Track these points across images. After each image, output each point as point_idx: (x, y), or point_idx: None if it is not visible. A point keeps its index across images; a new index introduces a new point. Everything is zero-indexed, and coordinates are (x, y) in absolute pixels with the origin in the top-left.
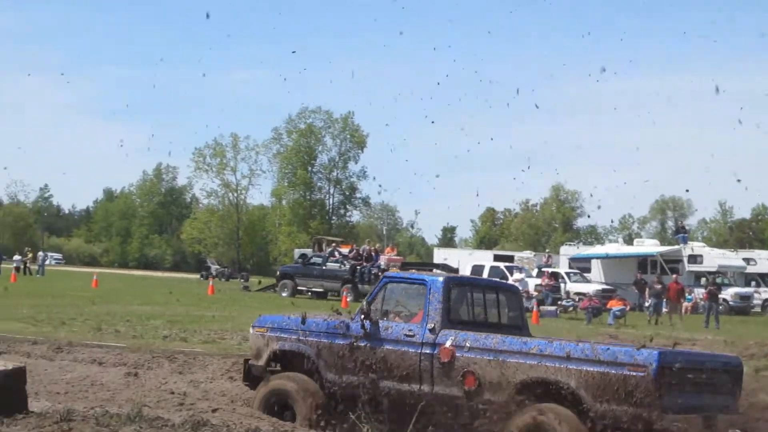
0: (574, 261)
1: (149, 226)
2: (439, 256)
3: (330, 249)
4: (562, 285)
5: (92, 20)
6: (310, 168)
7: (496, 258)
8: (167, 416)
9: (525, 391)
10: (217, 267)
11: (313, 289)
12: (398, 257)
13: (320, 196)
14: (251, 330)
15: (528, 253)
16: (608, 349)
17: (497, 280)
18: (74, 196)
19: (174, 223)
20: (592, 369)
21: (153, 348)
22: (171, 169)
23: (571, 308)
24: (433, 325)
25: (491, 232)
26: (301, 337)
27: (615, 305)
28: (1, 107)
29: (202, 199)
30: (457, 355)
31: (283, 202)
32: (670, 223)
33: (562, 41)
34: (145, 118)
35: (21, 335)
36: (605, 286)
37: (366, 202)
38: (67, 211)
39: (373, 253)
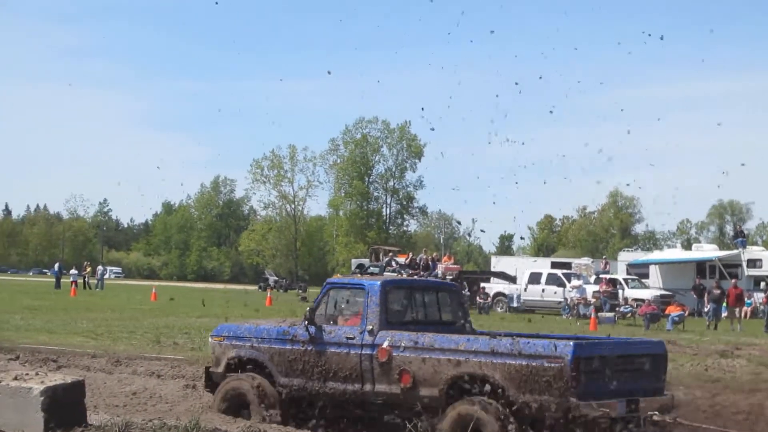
0: (632, 267)
1: (207, 239)
2: (497, 264)
3: (387, 258)
4: (620, 291)
5: (152, 35)
6: (366, 178)
7: (554, 265)
8: (225, 428)
9: (455, 386)
10: (275, 278)
11: None
12: (455, 266)
13: (377, 206)
14: (210, 339)
15: (586, 260)
16: (528, 342)
17: (437, 280)
18: (133, 210)
19: (232, 235)
20: (514, 362)
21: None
22: (229, 182)
23: (629, 314)
24: (371, 327)
25: (549, 239)
26: (254, 344)
27: (673, 311)
28: (60, 122)
29: (260, 210)
30: (394, 354)
31: (340, 212)
32: (729, 228)
33: (615, 47)
34: (202, 131)
35: (80, 349)
36: (664, 292)
37: (423, 211)
38: (126, 225)
39: (430, 262)
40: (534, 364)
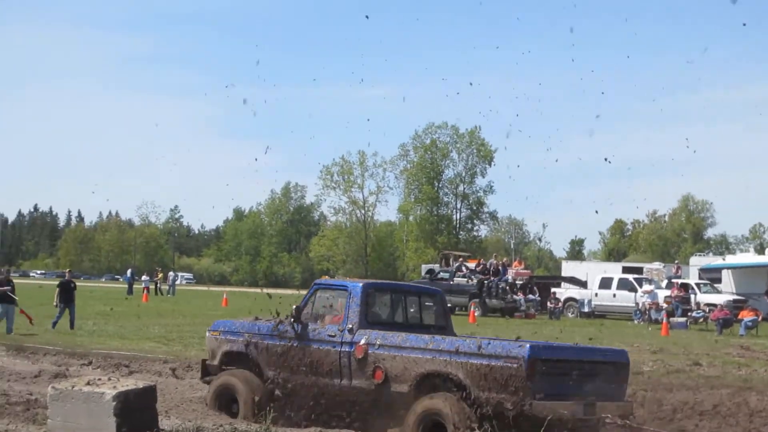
0: (704, 271)
1: (278, 245)
2: (567, 269)
3: (457, 264)
4: (692, 296)
5: (224, 42)
6: (436, 183)
7: (625, 270)
8: None
9: (424, 382)
10: None
11: None
12: (526, 271)
13: (447, 211)
14: (207, 333)
15: (657, 265)
16: (489, 343)
17: (420, 285)
18: (204, 216)
19: (302, 240)
20: (476, 361)
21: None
22: (299, 188)
23: (701, 319)
24: (351, 326)
25: (620, 243)
26: (246, 339)
27: (746, 316)
28: (131, 129)
29: (330, 216)
30: (369, 352)
31: (410, 217)
32: None
33: (686, 54)
34: (272, 137)
35: (152, 354)
36: (736, 297)
37: (493, 216)
38: (197, 231)
39: (500, 267)
40: (493, 363)
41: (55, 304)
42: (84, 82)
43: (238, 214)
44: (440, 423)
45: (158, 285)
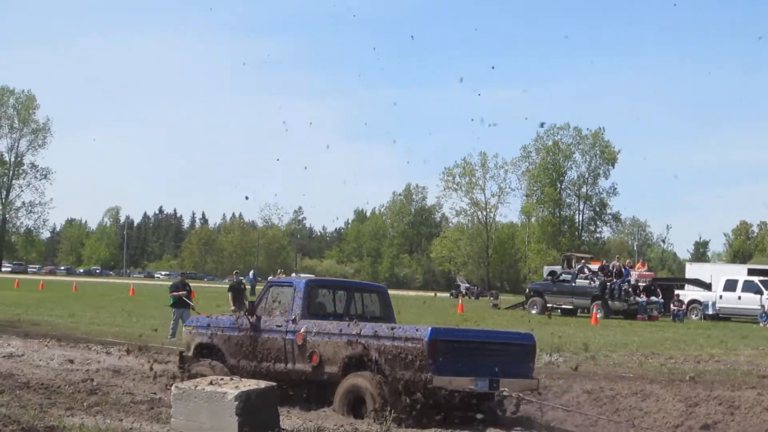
0: None
1: (399, 246)
2: (691, 271)
3: (580, 265)
4: None
5: (337, 45)
6: (558, 185)
7: (751, 272)
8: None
9: (350, 364)
10: (467, 285)
11: (563, 306)
12: (649, 273)
13: (569, 213)
14: (184, 328)
15: None
16: (400, 327)
17: (364, 282)
18: (325, 218)
19: (423, 242)
20: (388, 344)
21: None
22: (420, 189)
23: None
24: (294, 317)
25: (745, 245)
26: (213, 332)
27: None
28: (255, 132)
29: (452, 218)
30: (307, 339)
31: (533, 219)
32: None
33: None
34: (393, 139)
35: None
36: None
37: (616, 217)
38: (319, 233)
39: (623, 269)
40: (401, 345)
41: (232, 309)
42: (207, 85)
43: (360, 215)
44: (362, 398)
45: None
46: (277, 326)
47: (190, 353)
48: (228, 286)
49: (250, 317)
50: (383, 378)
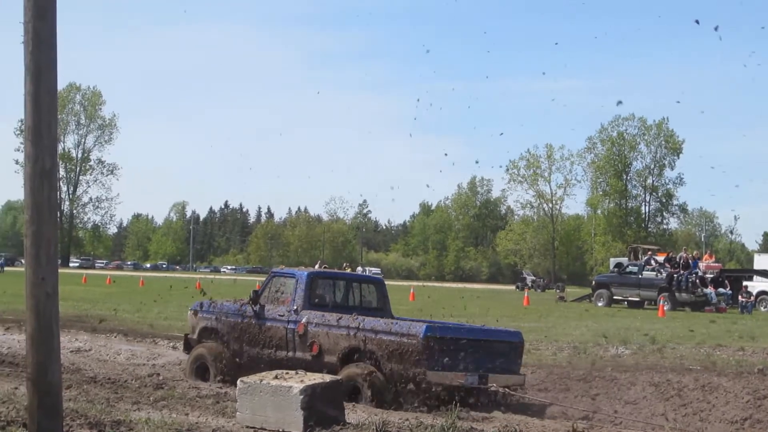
0: None
1: (465, 239)
2: (760, 261)
3: (646, 257)
4: None
5: (397, 38)
6: (624, 176)
7: None
8: (480, 427)
9: (348, 355)
10: (533, 278)
11: (630, 298)
12: (717, 264)
13: (635, 204)
14: (189, 312)
15: None
16: (397, 323)
17: (364, 274)
18: (391, 211)
19: (489, 235)
20: (386, 338)
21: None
22: (485, 182)
23: None
24: (296, 307)
25: None
26: (217, 317)
27: None
28: (317, 127)
29: (517, 210)
30: (308, 329)
31: (598, 211)
32: None
33: None
34: (458, 132)
35: None
36: None
37: (683, 208)
38: (384, 227)
39: (690, 261)
40: (398, 340)
41: None
42: (271, 79)
43: (426, 208)
44: (358, 388)
45: None
46: (280, 315)
47: (195, 336)
48: None
49: (253, 305)
50: (380, 371)
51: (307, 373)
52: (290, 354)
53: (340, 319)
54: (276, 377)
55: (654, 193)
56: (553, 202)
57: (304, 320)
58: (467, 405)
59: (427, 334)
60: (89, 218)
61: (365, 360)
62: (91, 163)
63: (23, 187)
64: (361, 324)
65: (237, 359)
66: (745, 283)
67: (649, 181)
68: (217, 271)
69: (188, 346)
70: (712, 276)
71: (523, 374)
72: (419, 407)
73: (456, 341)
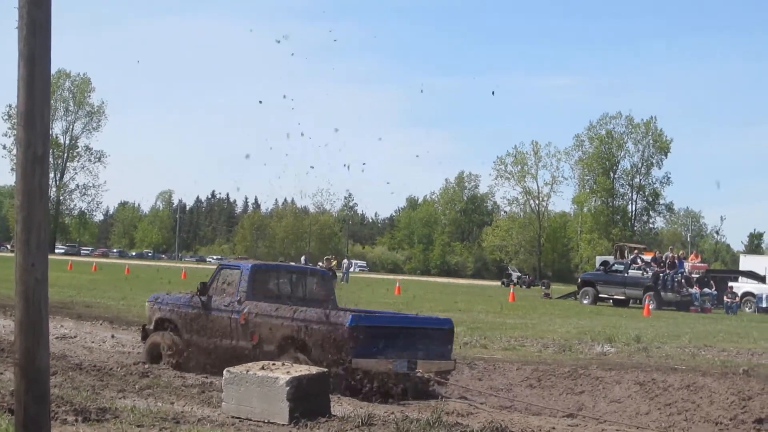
0: None
1: (451, 234)
2: (745, 263)
3: (632, 256)
4: None
5: (394, 32)
6: (611, 174)
7: None
8: (465, 422)
9: (285, 344)
10: (518, 274)
11: (615, 297)
12: (702, 264)
13: (622, 203)
14: (147, 304)
15: None
16: (327, 312)
17: (308, 266)
18: (378, 204)
19: (475, 230)
20: (316, 327)
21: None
22: (473, 177)
23: None
24: (240, 298)
25: None
26: (171, 308)
27: None
28: (312, 117)
29: (504, 206)
30: (249, 319)
31: (585, 209)
32: None
33: None
34: (446, 126)
35: None
36: None
37: (669, 208)
38: (370, 220)
39: (676, 260)
40: (326, 329)
41: None
42: (261, 71)
43: (412, 202)
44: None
45: (334, 272)
46: (225, 306)
47: (151, 326)
48: None
49: (201, 297)
50: (312, 359)
51: (294, 365)
52: (234, 343)
53: (277, 309)
54: (263, 368)
55: (641, 192)
56: (540, 199)
57: (245, 310)
58: (401, 391)
59: (353, 323)
60: (76, 205)
61: (300, 349)
62: (79, 149)
63: (14, 172)
64: (296, 314)
65: (188, 348)
66: (730, 283)
67: (637, 180)
68: (202, 260)
69: (146, 336)
70: (697, 276)
71: (453, 359)
72: (347, 393)
73: (383, 329)
